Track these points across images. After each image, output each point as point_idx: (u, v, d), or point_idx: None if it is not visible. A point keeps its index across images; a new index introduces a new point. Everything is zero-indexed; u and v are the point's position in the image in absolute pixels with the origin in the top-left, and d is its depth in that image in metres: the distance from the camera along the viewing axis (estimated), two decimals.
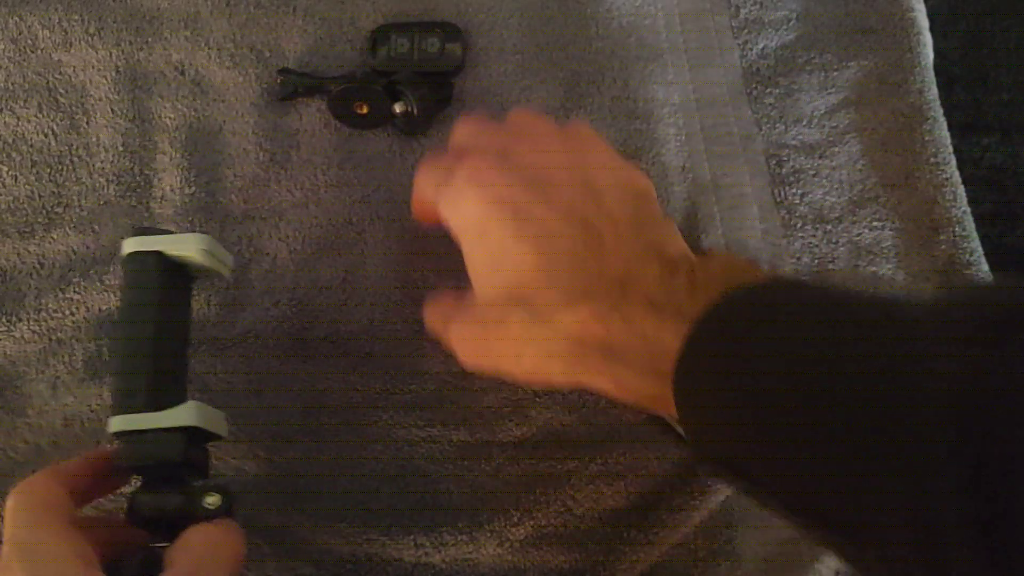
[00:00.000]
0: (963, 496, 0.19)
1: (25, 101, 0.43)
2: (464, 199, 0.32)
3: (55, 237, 0.41)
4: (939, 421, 0.20)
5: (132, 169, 0.42)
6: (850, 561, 0.25)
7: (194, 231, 0.41)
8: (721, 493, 0.38)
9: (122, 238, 0.41)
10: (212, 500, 0.30)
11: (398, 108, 0.43)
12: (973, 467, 0.19)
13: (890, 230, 0.44)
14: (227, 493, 0.31)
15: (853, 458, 0.22)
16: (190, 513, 0.31)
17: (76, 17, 0.45)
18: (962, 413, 0.20)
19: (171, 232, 0.34)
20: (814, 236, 0.43)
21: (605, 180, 0.32)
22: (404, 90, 0.42)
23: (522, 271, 0.30)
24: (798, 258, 0.43)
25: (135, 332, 0.32)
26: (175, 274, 0.34)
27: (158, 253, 0.33)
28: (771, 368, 0.24)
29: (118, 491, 0.34)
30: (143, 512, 0.31)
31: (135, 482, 0.33)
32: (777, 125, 0.46)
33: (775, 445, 0.24)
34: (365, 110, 0.43)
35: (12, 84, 0.43)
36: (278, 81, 0.44)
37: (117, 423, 0.31)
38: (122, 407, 0.31)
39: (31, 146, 0.42)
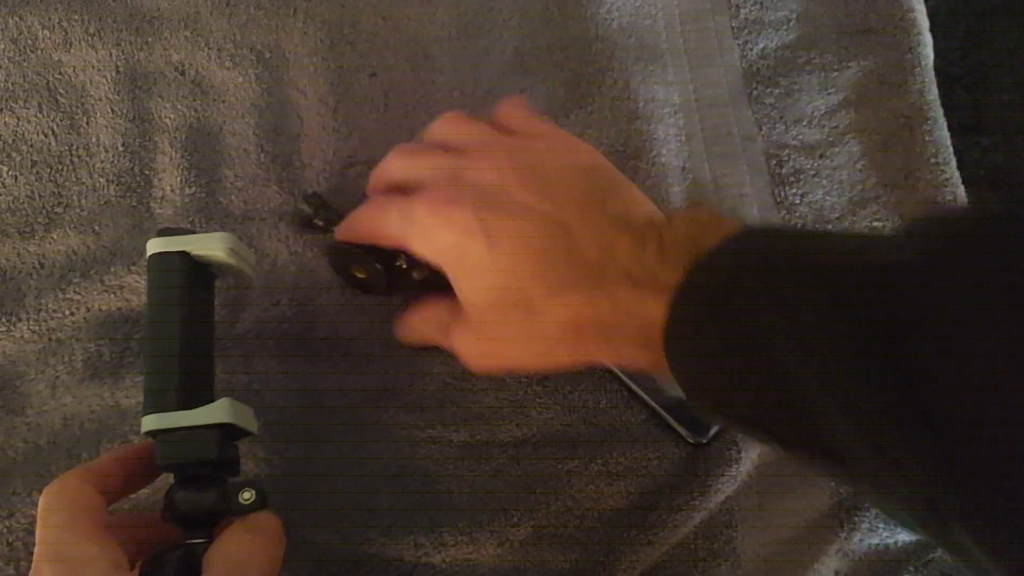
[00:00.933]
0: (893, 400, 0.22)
1: (25, 101, 0.43)
2: (432, 232, 0.34)
3: (55, 237, 0.41)
4: (868, 332, 0.23)
5: (132, 169, 0.42)
6: (845, 482, 0.30)
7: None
8: (721, 493, 0.38)
9: (122, 238, 0.41)
10: (247, 496, 0.31)
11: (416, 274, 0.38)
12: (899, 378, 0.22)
13: (890, 230, 0.44)
14: (260, 489, 0.31)
15: (814, 384, 0.25)
16: (226, 509, 0.31)
17: (76, 17, 0.45)
18: (887, 333, 0.23)
19: (194, 232, 0.34)
20: None
21: (554, 166, 0.34)
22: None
23: (505, 278, 0.32)
24: None
25: (163, 332, 0.33)
26: (199, 273, 0.35)
27: (183, 253, 0.33)
28: (742, 324, 0.27)
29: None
30: (180, 510, 0.31)
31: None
32: (777, 125, 0.46)
33: (756, 386, 0.27)
34: (363, 275, 0.39)
35: (12, 84, 0.43)
36: (297, 201, 0.41)
37: (150, 422, 0.31)
38: (154, 406, 0.31)
39: (31, 146, 0.42)
